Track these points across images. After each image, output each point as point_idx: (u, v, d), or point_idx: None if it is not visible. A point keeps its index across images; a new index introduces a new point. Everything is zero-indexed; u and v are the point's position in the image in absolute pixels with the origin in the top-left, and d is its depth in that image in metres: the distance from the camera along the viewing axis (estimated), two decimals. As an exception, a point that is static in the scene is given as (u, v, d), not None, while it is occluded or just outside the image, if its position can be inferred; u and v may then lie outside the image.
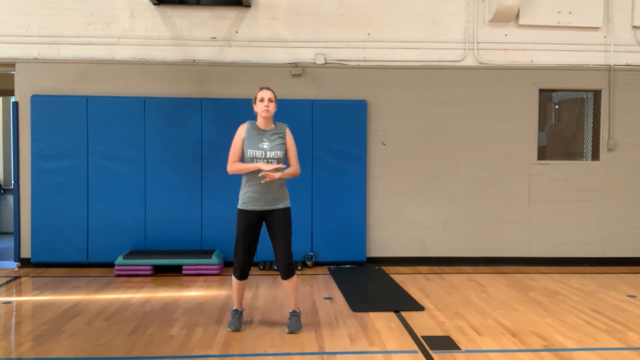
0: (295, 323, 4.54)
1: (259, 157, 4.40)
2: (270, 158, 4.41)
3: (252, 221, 4.47)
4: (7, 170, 10.51)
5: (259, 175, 4.31)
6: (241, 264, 4.51)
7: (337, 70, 7.39)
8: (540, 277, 6.74)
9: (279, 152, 4.44)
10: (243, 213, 4.48)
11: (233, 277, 4.60)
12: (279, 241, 4.49)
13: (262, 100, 4.41)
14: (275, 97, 4.51)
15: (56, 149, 7.07)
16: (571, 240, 7.56)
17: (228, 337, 4.37)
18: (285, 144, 4.50)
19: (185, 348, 4.13)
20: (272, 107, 4.44)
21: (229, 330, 4.52)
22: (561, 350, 4.10)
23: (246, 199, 4.47)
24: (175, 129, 7.17)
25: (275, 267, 6.96)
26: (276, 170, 4.32)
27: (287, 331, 4.50)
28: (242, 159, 4.52)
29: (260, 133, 4.46)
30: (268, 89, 4.49)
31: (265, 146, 4.42)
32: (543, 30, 7.51)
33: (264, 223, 4.56)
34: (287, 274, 4.53)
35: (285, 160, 4.55)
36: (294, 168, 4.53)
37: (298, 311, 4.66)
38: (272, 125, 4.52)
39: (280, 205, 4.49)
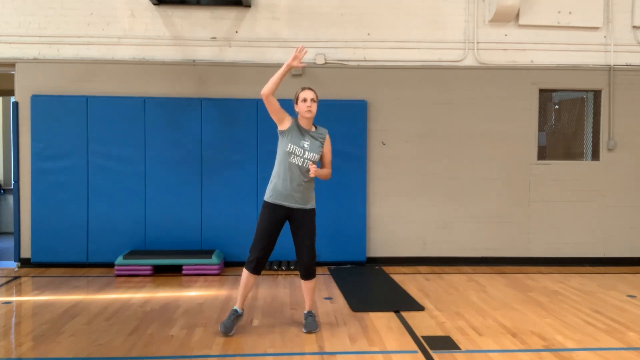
0: (312, 323, 4.54)
1: (298, 154, 4.39)
2: (307, 158, 4.40)
3: (277, 217, 4.45)
4: (7, 170, 10.51)
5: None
6: (257, 257, 4.45)
7: (337, 70, 7.39)
8: (540, 277, 6.74)
9: (316, 154, 4.44)
10: (270, 207, 4.45)
11: (244, 270, 4.50)
12: (303, 242, 4.48)
13: (304, 100, 4.41)
14: (317, 97, 4.49)
15: (56, 149, 7.08)
16: (571, 240, 7.56)
17: (228, 337, 4.37)
18: (323, 145, 4.51)
19: (185, 348, 4.13)
20: (315, 108, 4.43)
21: (220, 332, 4.40)
22: (561, 350, 4.10)
23: (275, 192, 4.44)
24: (175, 129, 7.17)
25: (275, 267, 6.96)
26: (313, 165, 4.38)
27: (304, 331, 4.49)
28: (278, 149, 4.48)
29: (303, 131, 4.45)
30: (310, 89, 4.48)
31: (306, 145, 4.41)
32: (543, 30, 7.51)
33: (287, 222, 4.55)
34: (308, 276, 4.55)
35: (318, 164, 4.56)
36: (329, 171, 4.56)
37: (313, 312, 4.68)
38: (314, 128, 4.52)
39: (308, 206, 4.49)
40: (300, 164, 4.40)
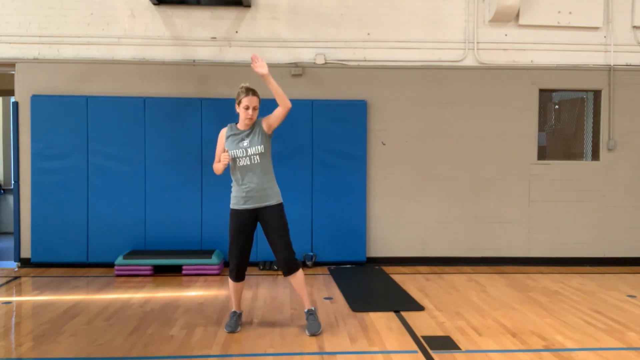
0: (313, 324, 4.44)
1: (241, 156, 4.39)
2: (251, 155, 4.39)
3: (244, 221, 4.45)
4: (7, 170, 10.51)
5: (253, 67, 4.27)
6: (236, 265, 4.49)
7: (337, 70, 7.39)
8: (540, 277, 6.74)
9: (259, 146, 4.40)
10: (235, 213, 4.47)
11: (229, 279, 4.58)
12: (275, 238, 4.44)
13: (247, 108, 4.38)
14: (259, 100, 4.46)
15: (56, 149, 7.08)
16: (571, 240, 7.56)
17: (228, 337, 4.37)
18: (263, 129, 4.44)
19: (185, 348, 4.13)
20: (255, 115, 4.44)
21: (225, 332, 4.51)
22: (561, 350, 4.10)
23: (236, 198, 4.47)
24: (175, 129, 7.17)
25: (275, 267, 6.96)
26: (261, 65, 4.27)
27: (307, 334, 4.42)
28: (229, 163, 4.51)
29: (239, 133, 4.46)
30: (254, 93, 4.41)
31: (245, 144, 4.41)
32: (543, 30, 7.51)
33: (258, 223, 4.54)
34: (289, 270, 4.47)
35: (270, 153, 4.53)
36: (283, 95, 4.35)
37: (313, 308, 4.58)
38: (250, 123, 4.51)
39: (272, 202, 4.46)
40: (249, 163, 4.40)
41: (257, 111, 4.43)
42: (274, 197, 4.49)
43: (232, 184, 4.54)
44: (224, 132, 4.55)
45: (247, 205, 4.43)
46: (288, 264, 4.47)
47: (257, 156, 4.40)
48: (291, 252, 4.48)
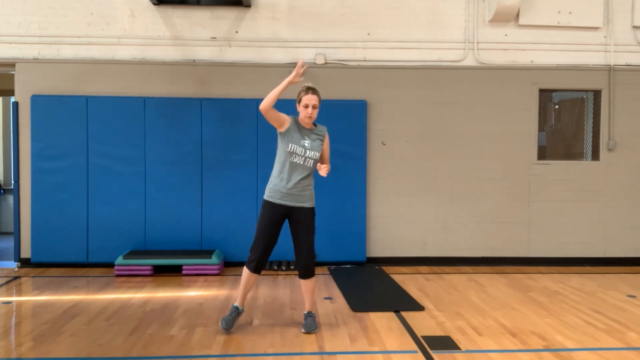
0: (311, 323, 4.52)
1: (299, 154, 4.40)
2: (308, 157, 4.42)
3: (276, 216, 4.45)
4: (7, 170, 10.51)
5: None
6: (258, 257, 4.47)
7: (337, 70, 7.39)
8: (540, 277, 6.75)
9: (317, 152, 4.45)
10: (269, 205, 4.46)
11: (245, 269, 4.53)
12: (302, 241, 4.47)
13: (306, 106, 4.41)
14: (320, 99, 4.48)
15: (56, 149, 7.08)
16: (571, 240, 7.56)
17: (228, 337, 4.37)
18: (323, 143, 4.53)
19: (185, 348, 4.13)
20: (315, 114, 4.45)
21: (221, 328, 4.45)
22: (561, 350, 4.10)
23: (274, 191, 4.45)
24: (175, 129, 7.17)
25: (275, 267, 6.96)
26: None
27: (303, 331, 4.47)
28: (278, 149, 4.48)
29: (302, 130, 4.47)
30: (314, 92, 4.45)
31: (306, 144, 4.42)
32: (543, 30, 7.51)
33: (286, 221, 4.54)
34: (307, 275, 4.53)
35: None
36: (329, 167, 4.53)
37: (313, 313, 4.67)
38: (313, 126, 4.54)
39: (307, 205, 4.48)
40: (301, 163, 4.42)
41: (316, 110, 4.45)
42: (310, 200, 4.51)
43: (273, 175, 4.51)
44: (290, 118, 4.48)
45: (283, 202, 4.43)
46: (308, 269, 4.51)
47: (312, 160, 4.43)
48: (313, 258, 4.53)
